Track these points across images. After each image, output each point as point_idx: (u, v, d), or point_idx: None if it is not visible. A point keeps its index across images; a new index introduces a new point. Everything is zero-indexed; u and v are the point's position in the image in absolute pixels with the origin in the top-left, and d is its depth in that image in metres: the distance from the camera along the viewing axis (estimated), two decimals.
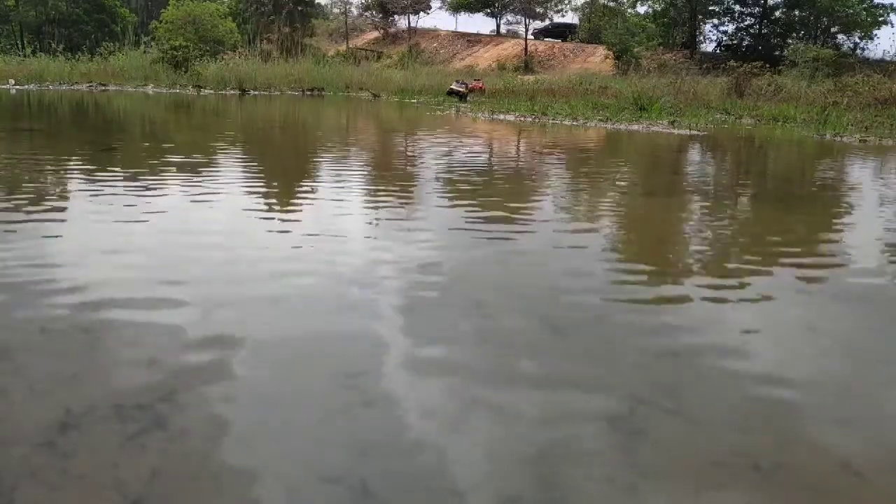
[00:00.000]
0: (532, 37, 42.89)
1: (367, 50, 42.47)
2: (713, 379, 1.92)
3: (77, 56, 26.77)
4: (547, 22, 45.07)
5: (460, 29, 49.57)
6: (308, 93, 23.54)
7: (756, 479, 1.44)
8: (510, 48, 41.85)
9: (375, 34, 47.55)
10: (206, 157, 6.72)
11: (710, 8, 37.73)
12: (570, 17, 45.89)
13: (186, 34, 29.13)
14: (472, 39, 45.20)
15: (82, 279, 2.52)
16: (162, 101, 16.67)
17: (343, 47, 41.11)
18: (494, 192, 5.30)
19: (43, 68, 23.45)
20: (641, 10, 38.43)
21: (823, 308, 2.64)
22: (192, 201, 4.27)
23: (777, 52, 33.00)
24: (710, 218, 4.45)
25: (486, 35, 46.44)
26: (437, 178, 5.76)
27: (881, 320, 2.53)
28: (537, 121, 13.98)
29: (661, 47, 34.42)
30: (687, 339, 2.20)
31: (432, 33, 47.28)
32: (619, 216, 4.46)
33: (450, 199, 4.81)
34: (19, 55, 27.37)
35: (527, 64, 37.88)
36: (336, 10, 47.61)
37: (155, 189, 4.66)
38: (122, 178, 5.05)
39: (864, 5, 34.66)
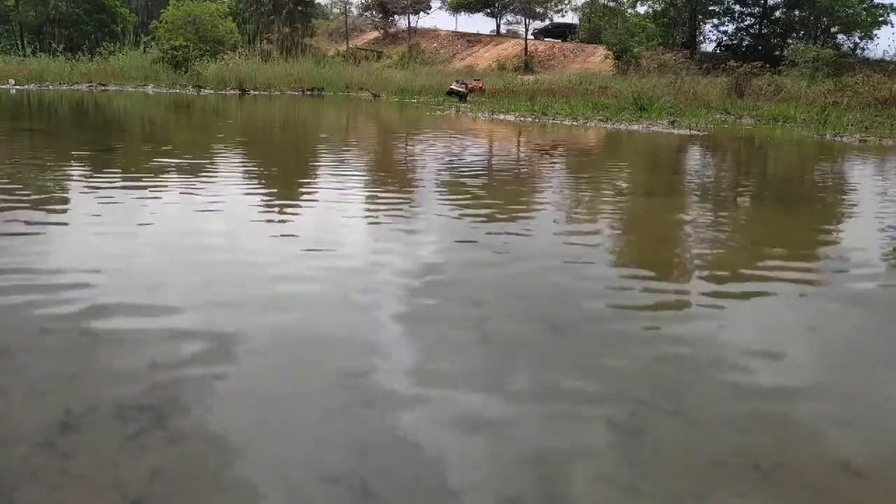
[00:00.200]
0: (532, 37, 42.87)
1: (367, 50, 42.45)
2: (713, 379, 1.92)
3: (77, 56, 26.75)
4: (547, 22, 45.06)
5: (460, 29, 49.60)
6: (308, 93, 23.55)
7: (756, 479, 1.44)
8: (510, 48, 41.82)
9: (375, 34, 47.53)
10: (207, 158, 6.73)
11: (710, 8, 37.68)
12: (570, 17, 45.84)
13: (186, 34, 29.11)
14: (472, 39, 45.18)
15: (82, 279, 2.52)
16: (162, 102, 16.67)
17: (343, 47, 41.07)
18: (494, 192, 5.30)
19: (43, 68, 23.44)
20: (641, 10, 38.41)
21: (823, 308, 2.64)
22: (192, 202, 4.27)
23: (777, 52, 32.97)
24: (710, 218, 4.45)
25: (486, 35, 46.41)
26: (438, 179, 5.76)
27: (881, 321, 2.53)
28: (537, 121, 13.98)
29: (661, 47, 34.38)
30: (687, 339, 2.20)
31: (432, 33, 47.26)
32: (618, 216, 4.45)
33: (450, 199, 4.81)
34: (19, 55, 27.40)
35: (527, 64, 37.86)
36: (336, 10, 47.66)
37: (155, 189, 4.66)
38: (122, 178, 5.06)
39: (864, 5, 34.62)
